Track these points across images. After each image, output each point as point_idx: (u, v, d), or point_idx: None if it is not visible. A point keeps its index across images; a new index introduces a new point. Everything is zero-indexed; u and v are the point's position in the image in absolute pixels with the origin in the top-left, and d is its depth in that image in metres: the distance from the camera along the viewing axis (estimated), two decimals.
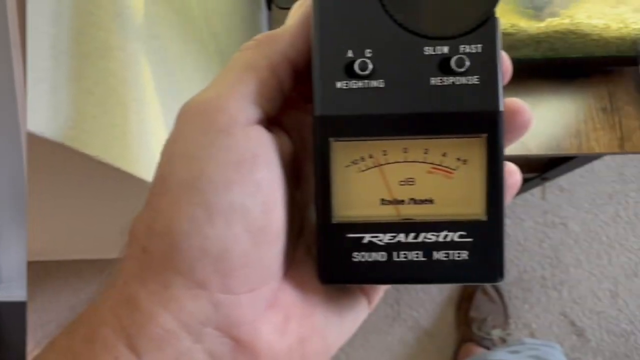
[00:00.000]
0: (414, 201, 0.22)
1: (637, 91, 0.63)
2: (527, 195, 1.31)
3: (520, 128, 0.22)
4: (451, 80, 0.21)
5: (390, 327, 1.22)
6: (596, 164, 1.34)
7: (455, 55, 0.21)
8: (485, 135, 0.21)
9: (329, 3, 0.21)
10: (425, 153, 0.21)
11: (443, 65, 0.21)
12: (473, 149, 0.21)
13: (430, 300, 1.23)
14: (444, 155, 0.21)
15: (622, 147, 0.62)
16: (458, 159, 0.21)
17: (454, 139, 0.21)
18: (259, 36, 0.22)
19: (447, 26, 0.21)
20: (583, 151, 0.61)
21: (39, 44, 0.25)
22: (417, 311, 1.23)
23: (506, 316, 1.19)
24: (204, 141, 0.20)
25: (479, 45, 0.21)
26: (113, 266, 0.21)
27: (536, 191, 1.31)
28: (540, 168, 0.81)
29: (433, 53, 0.21)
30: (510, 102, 0.22)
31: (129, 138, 0.33)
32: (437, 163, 0.21)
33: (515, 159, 0.68)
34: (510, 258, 1.27)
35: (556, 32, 0.52)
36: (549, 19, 0.50)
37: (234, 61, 0.22)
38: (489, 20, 0.21)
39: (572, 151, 0.61)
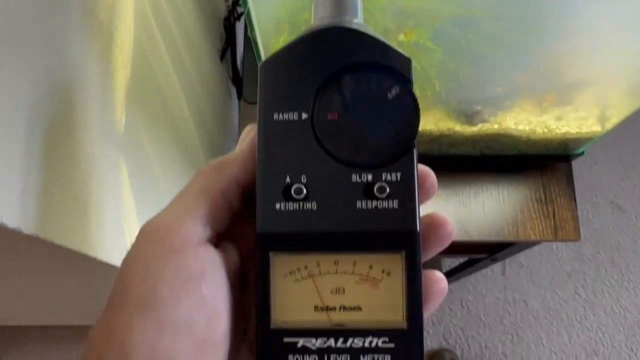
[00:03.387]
0: (344, 308, 0.24)
1: (569, 184, 0.69)
2: (487, 271, 1.35)
3: (443, 239, 0.24)
4: (374, 204, 0.23)
5: None
6: (555, 242, 1.40)
7: (377, 182, 0.23)
8: (403, 252, 0.23)
9: (272, 134, 0.24)
10: (354, 265, 0.24)
11: (367, 191, 0.23)
12: (395, 264, 0.24)
13: None
14: (370, 267, 0.24)
15: (556, 235, 0.67)
16: (383, 271, 0.24)
17: (378, 254, 0.24)
18: (212, 161, 0.25)
19: (371, 157, 0.24)
20: (520, 238, 0.67)
21: (40, 163, 0.30)
22: None
23: None
24: (160, 260, 0.22)
25: (398, 174, 0.24)
26: None
27: (497, 267, 1.36)
28: (490, 249, 0.85)
29: (359, 180, 0.24)
30: (435, 216, 0.24)
31: (105, 231, 0.37)
32: (365, 274, 0.24)
33: (462, 243, 0.72)
34: (472, 334, 1.29)
35: (488, 135, 0.58)
36: (481, 125, 0.56)
37: (190, 184, 0.24)
38: (408, 152, 0.24)
39: (510, 238, 0.66)
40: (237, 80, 0.76)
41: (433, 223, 0.25)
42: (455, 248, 0.86)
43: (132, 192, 0.42)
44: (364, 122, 0.24)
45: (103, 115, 0.37)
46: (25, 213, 0.28)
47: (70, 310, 1.00)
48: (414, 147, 0.24)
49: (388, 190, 0.24)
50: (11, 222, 0.27)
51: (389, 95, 0.24)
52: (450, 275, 1.14)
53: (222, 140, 0.80)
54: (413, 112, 0.24)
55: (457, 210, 0.67)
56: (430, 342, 1.28)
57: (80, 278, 0.59)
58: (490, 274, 1.35)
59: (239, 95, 0.75)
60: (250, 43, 0.73)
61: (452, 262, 1.19)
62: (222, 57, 0.74)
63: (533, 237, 0.67)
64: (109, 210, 0.37)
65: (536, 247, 1.41)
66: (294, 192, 0.24)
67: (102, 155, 0.37)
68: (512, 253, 0.82)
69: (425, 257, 0.25)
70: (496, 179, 0.69)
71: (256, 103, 0.26)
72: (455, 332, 1.30)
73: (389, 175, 0.24)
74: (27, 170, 0.29)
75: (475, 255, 0.88)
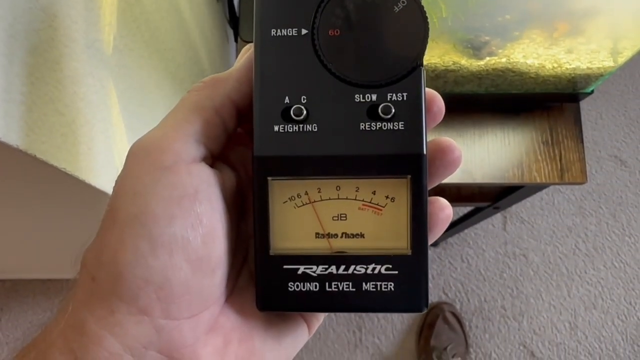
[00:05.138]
0: (346, 235, 0.23)
1: (577, 126, 0.67)
2: (488, 225, 1.34)
3: (451, 165, 0.23)
4: (379, 125, 0.22)
5: (352, 353, 1.22)
6: (556, 197, 1.39)
7: (382, 102, 0.22)
8: (409, 176, 0.22)
9: (270, 51, 0.23)
10: (357, 191, 0.23)
11: (371, 112, 0.22)
12: (400, 189, 0.23)
13: (392, 327, 1.25)
14: (373, 193, 0.23)
15: (562, 178, 0.65)
16: (387, 197, 0.23)
17: (382, 179, 0.23)
18: (206, 79, 0.24)
19: (375, 76, 0.22)
20: (525, 181, 0.65)
21: (20, 72, 0.27)
22: (378, 338, 1.24)
23: (467, 345, 1.21)
24: (150, 178, 0.21)
25: (405, 94, 0.22)
26: (66, 293, 0.22)
27: (498, 222, 1.35)
28: (493, 198, 0.84)
29: (362, 100, 0.22)
30: (441, 141, 0.23)
31: (94, 154, 0.35)
32: (368, 200, 0.23)
33: (465, 188, 0.71)
34: (472, 287, 1.29)
35: (495, 69, 0.56)
36: (488, 58, 0.54)
37: (181, 102, 0.23)
38: (415, 70, 0.22)
39: (515, 181, 0.65)
40: (233, 20, 0.73)
41: (440, 148, 0.23)
42: (459, 195, 0.84)
43: (123, 118, 0.40)
44: (368, 38, 0.23)
45: (88, 31, 0.35)
46: (4, 120, 0.26)
47: (71, 262, 1.00)
48: (422, 65, 0.23)
49: (393, 110, 0.22)
50: None
51: (395, 8, 0.22)
52: (452, 226, 1.13)
53: None
54: (421, 26, 0.22)
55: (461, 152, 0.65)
56: (429, 296, 1.28)
57: (77, 219, 0.57)
58: (491, 229, 1.34)
59: (236, 38, 0.72)
60: None
61: (453, 216, 1.18)
62: None
63: (539, 180, 0.65)
64: (97, 133, 0.36)
65: (538, 202, 1.40)
66: (294, 113, 0.22)
67: (87, 73, 0.34)
68: (515, 201, 0.81)
69: (431, 183, 0.24)
70: (501, 121, 0.67)
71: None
72: (455, 285, 1.30)
73: (394, 95, 0.22)
74: (5, 75, 0.27)
75: (478, 203, 0.87)
